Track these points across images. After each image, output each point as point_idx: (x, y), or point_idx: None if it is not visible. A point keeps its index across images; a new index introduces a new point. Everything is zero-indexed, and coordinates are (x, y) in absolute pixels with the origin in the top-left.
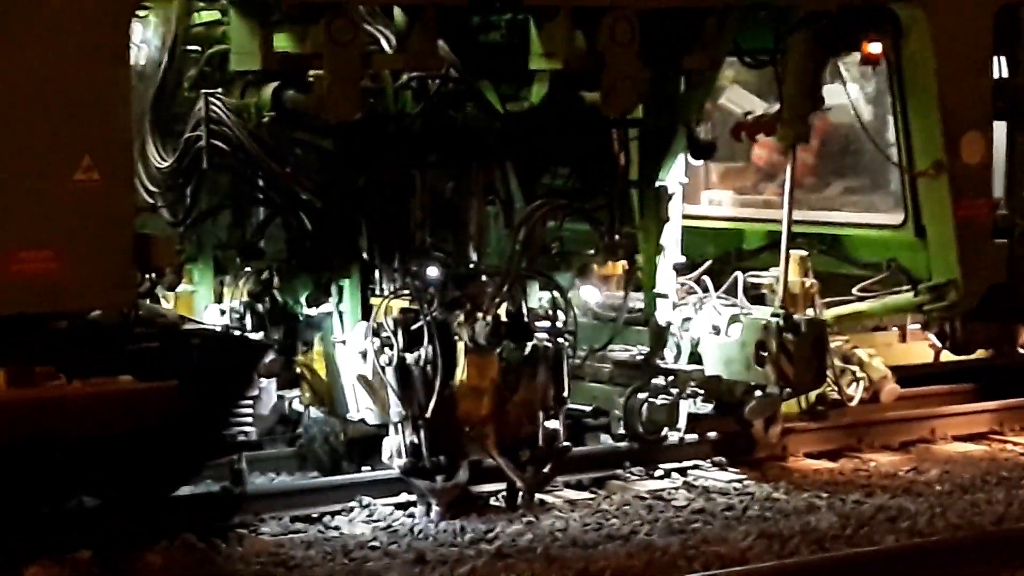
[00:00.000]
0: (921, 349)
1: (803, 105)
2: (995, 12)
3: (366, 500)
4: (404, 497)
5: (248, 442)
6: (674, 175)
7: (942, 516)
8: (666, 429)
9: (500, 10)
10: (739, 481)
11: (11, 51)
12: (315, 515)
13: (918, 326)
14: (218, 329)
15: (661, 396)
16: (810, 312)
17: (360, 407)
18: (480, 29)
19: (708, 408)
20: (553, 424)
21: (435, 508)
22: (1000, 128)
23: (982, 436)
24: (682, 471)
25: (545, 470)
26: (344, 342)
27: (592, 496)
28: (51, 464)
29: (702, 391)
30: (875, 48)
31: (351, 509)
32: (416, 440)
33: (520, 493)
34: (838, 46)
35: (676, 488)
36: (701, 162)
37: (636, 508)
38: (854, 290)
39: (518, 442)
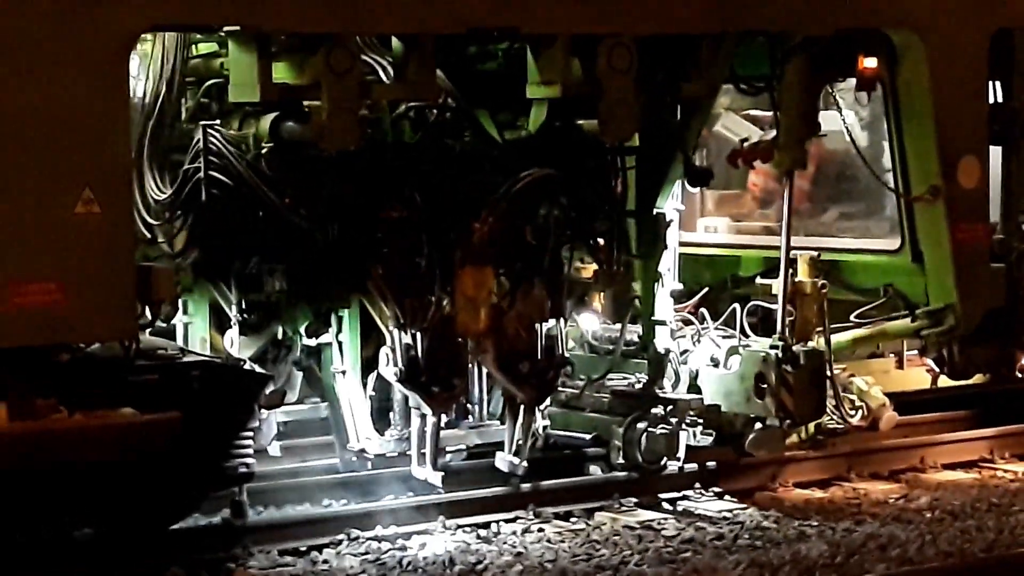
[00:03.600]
0: (918, 375)
1: (800, 131)
2: (990, 36)
3: (354, 533)
4: (393, 530)
5: (249, 473)
6: (671, 202)
7: (932, 543)
8: (665, 459)
9: (497, 39)
10: (729, 510)
11: (12, 84)
12: (303, 548)
13: (915, 352)
14: (219, 360)
15: (660, 426)
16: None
17: (361, 436)
18: (476, 58)
19: (705, 440)
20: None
21: (430, 418)
22: (995, 152)
23: (972, 464)
24: (672, 501)
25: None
26: (344, 372)
27: (582, 527)
28: (52, 496)
29: (702, 420)
30: (871, 63)
31: (339, 542)
32: (412, 346)
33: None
34: (834, 72)
35: (666, 518)
36: (698, 189)
37: (626, 538)
38: (852, 316)
39: (517, 355)
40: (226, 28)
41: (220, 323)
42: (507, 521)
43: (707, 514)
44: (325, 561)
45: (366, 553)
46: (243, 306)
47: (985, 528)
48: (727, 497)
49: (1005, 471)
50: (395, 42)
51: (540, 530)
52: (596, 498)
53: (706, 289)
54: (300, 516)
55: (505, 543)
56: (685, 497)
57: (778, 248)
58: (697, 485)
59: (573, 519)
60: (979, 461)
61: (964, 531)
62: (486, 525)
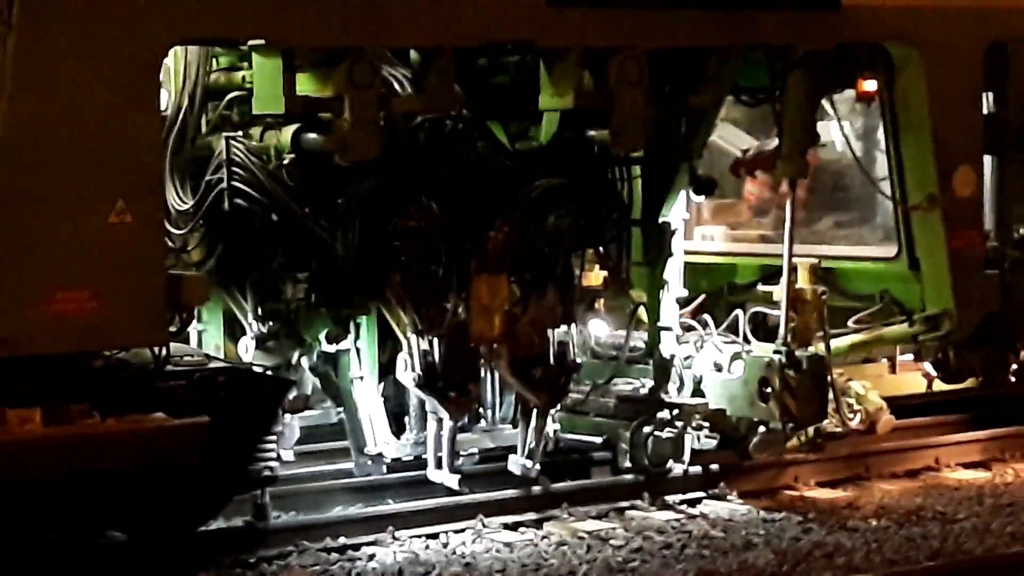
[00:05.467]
0: (912, 380)
1: (801, 141)
2: (985, 50)
3: (303, 544)
4: (342, 540)
5: (272, 476)
6: (677, 211)
7: (878, 551)
8: (671, 462)
9: (512, 52)
10: (676, 520)
11: (48, 98)
12: (251, 560)
13: (909, 357)
14: (244, 367)
15: (667, 429)
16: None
17: (378, 441)
18: (488, 71)
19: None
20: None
21: (447, 423)
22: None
23: (917, 472)
24: (620, 511)
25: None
26: (361, 378)
27: (531, 536)
28: (86, 499)
29: (708, 424)
30: (870, 86)
31: (288, 553)
32: (429, 352)
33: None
34: (833, 84)
35: (614, 527)
36: (702, 198)
37: (575, 548)
38: (850, 322)
39: (530, 361)
40: (252, 42)
41: (232, 331)
42: (456, 531)
43: (655, 523)
44: (274, 573)
45: (315, 564)
46: (259, 314)
47: (930, 536)
48: (674, 506)
49: (949, 479)
50: (414, 56)
51: (490, 539)
52: (546, 507)
53: (703, 296)
54: (247, 527)
55: (454, 553)
56: (634, 507)
57: (774, 256)
58: (644, 494)
59: (522, 528)
60: (923, 469)
61: (909, 539)
62: (434, 536)
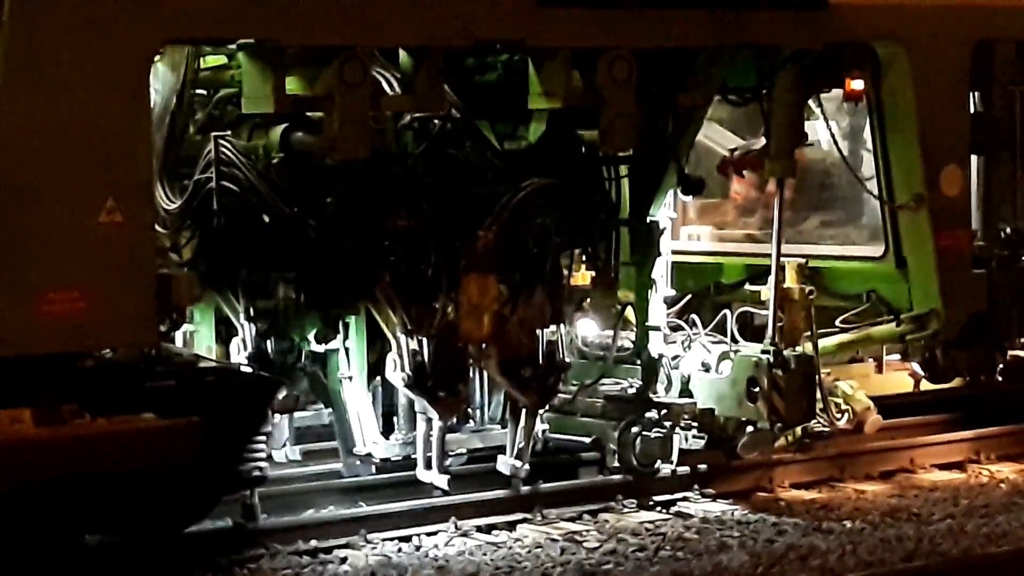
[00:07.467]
0: (898, 379)
1: (789, 141)
2: (972, 48)
3: (275, 547)
4: (313, 543)
5: (262, 477)
6: (664, 211)
7: (852, 553)
8: (659, 462)
9: (501, 51)
10: (651, 521)
11: (38, 98)
12: (224, 562)
13: (896, 357)
14: (234, 366)
15: (655, 429)
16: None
17: (367, 441)
18: (476, 70)
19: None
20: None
21: (436, 423)
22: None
23: (892, 473)
24: (593, 513)
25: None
26: (350, 378)
27: (504, 539)
28: (77, 500)
29: (696, 424)
30: (857, 85)
31: (260, 556)
32: (419, 352)
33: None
34: (821, 83)
35: (588, 530)
36: (690, 198)
37: (548, 550)
38: (837, 322)
39: (519, 361)
40: (241, 41)
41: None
42: (429, 534)
43: (628, 525)
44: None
45: (287, 567)
46: (251, 315)
47: (905, 538)
48: (648, 509)
49: (925, 480)
50: (403, 55)
51: (462, 542)
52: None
53: (688, 296)
54: (218, 528)
55: (427, 555)
56: (607, 509)
57: (760, 256)
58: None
59: (496, 531)
60: (899, 471)
61: (884, 540)
62: (407, 538)
